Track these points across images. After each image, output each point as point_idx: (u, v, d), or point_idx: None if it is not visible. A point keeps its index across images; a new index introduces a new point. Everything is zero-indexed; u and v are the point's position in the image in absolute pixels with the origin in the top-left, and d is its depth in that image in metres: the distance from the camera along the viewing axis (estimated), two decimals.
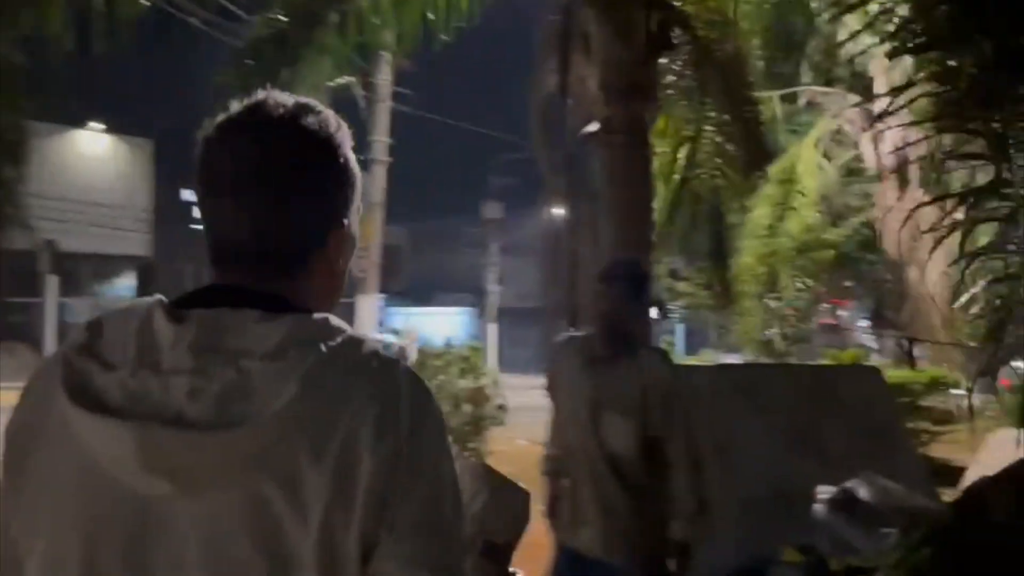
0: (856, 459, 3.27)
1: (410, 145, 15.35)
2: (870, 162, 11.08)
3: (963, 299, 3.36)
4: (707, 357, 13.18)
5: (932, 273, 8.28)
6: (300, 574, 0.73)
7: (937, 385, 8.15)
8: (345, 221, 0.92)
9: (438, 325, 34.93)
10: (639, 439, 2.55)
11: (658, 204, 6.86)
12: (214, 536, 0.74)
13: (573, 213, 6.77)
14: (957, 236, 3.22)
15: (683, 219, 7.93)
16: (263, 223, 0.86)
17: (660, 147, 6.83)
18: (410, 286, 34.04)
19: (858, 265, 13.35)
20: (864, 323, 16.43)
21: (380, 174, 12.30)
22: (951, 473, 5.92)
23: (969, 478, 4.40)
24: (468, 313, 29.32)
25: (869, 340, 15.02)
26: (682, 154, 6.98)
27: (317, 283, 0.90)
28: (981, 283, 3.33)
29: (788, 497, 3.13)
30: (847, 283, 14.19)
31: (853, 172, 12.09)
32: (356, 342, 0.82)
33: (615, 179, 5.58)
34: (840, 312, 16.13)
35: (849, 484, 2.97)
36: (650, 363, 2.68)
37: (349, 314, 15.42)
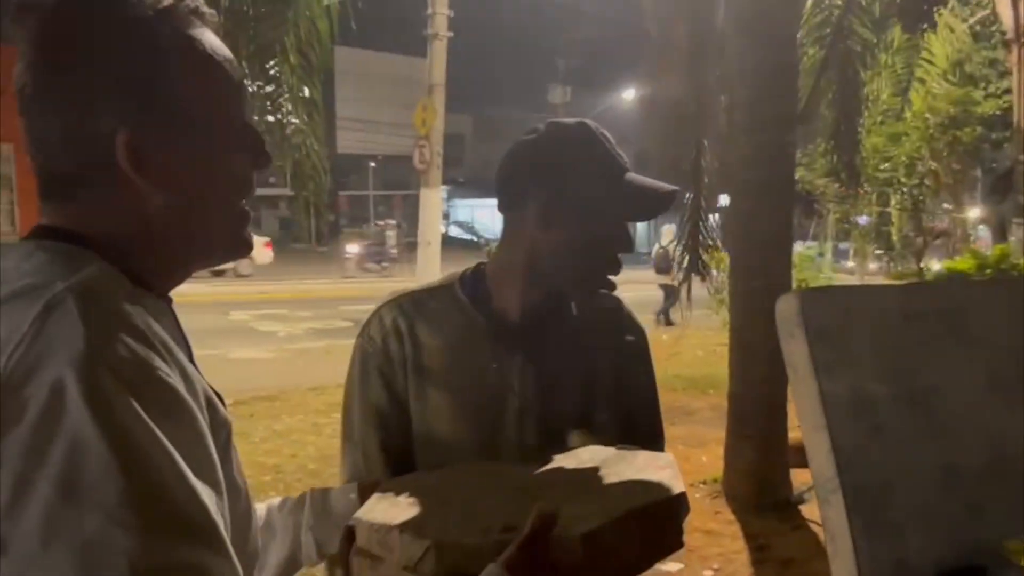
0: None
1: (473, 21, 14.11)
2: (1006, 23, 9.48)
3: None
4: (808, 251, 11.92)
5: None
6: None
7: None
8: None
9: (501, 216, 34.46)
10: None
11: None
12: None
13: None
14: None
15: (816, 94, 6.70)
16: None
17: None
18: (473, 177, 33.24)
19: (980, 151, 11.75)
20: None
21: (440, 51, 11.08)
22: None
23: None
24: None
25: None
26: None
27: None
28: None
29: (1012, 463, 2.26)
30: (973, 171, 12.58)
31: (979, 37, 10.44)
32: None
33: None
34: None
35: None
36: None
37: (413, 206, 14.61)
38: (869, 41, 6.61)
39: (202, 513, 0.65)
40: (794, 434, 4.83)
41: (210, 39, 0.82)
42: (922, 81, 8.73)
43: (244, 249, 0.86)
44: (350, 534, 0.97)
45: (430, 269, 10.21)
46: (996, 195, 13.86)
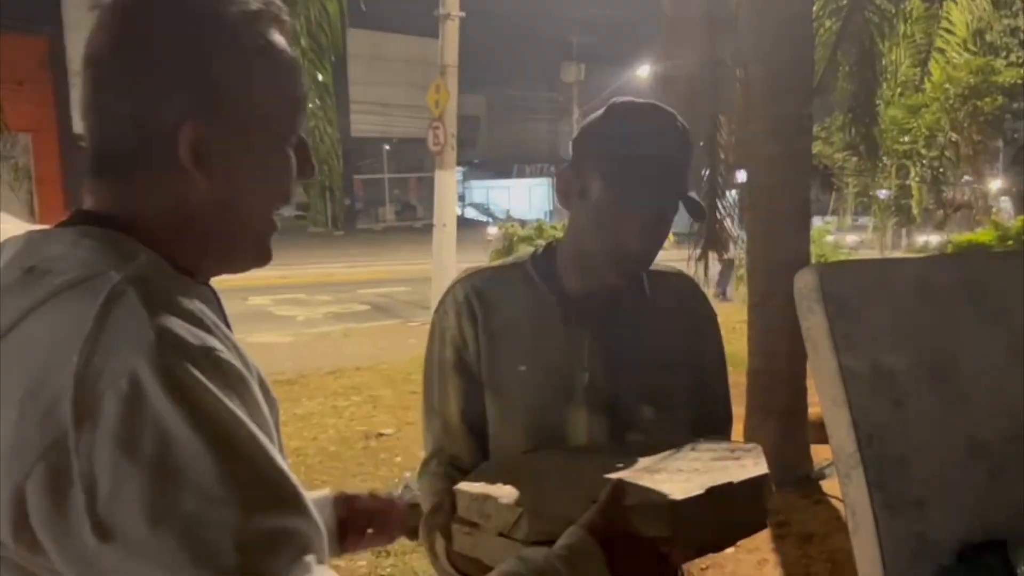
0: None
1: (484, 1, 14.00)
2: None
3: None
4: (827, 226, 11.79)
5: None
6: None
7: None
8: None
9: (518, 198, 34.50)
10: None
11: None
12: None
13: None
14: None
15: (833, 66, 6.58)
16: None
17: None
18: (488, 158, 33.14)
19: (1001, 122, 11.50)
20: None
21: (453, 31, 11.02)
22: None
23: None
24: (549, 184, 28.35)
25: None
26: None
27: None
28: None
29: None
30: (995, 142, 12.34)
31: (1000, 5, 10.21)
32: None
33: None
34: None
35: None
36: None
37: (429, 188, 14.62)
38: (887, 11, 6.50)
39: (286, 481, 0.68)
40: (814, 410, 4.81)
41: (287, 49, 0.82)
42: (941, 51, 8.57)
43: (264, 259, 0.87)
44: (451, 504, 1.05)
45: (446, 251, 10.21)
46: (1018, 165, 13.65)
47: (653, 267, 1.41)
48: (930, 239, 12.83)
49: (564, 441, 1.29)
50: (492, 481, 1.02)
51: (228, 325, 0.81)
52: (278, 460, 0.69)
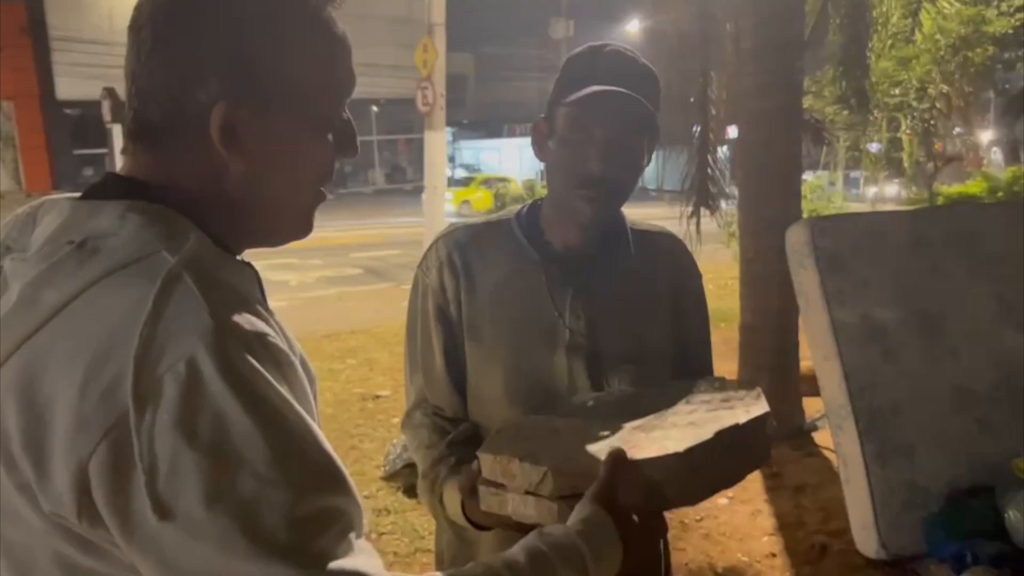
0: None
1: None
2: None
3: None
4: (818, 180, 11.74)
5: None
6: None
7: None
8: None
9: (508, 158, 34.26)
10: None
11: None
12: None
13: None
14: None
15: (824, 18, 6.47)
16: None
17: None
18: (477, 118, 32.84)
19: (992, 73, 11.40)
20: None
21: None
22: None
23: None
24: None
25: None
26: None
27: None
28: None
29: (1020, 384, 2.26)
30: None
31: None
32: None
33: None
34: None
35: None
36: None
37: (418, 150, 14.49)
38: None
39: (332, 463, 0.71)
40: (806, 363, 4.86)
41: (336, 27, 0.80)
42: (932, 1, 8.48)
43: (305, 231, 0.87)
44: (477, 467, 1.10)
45: (437, 214, 10.17)
46: (1009, 116, 13.59)
47: (640, 227, 1.43)
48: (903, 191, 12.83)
49: (544, 394, 1.30)
50: (510, 444, 1.08)
51: (266, 302, 0.82)
52: (324, 443, 0.71)
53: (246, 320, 0.70)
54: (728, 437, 1.05)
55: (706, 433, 1.04)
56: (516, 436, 1.11)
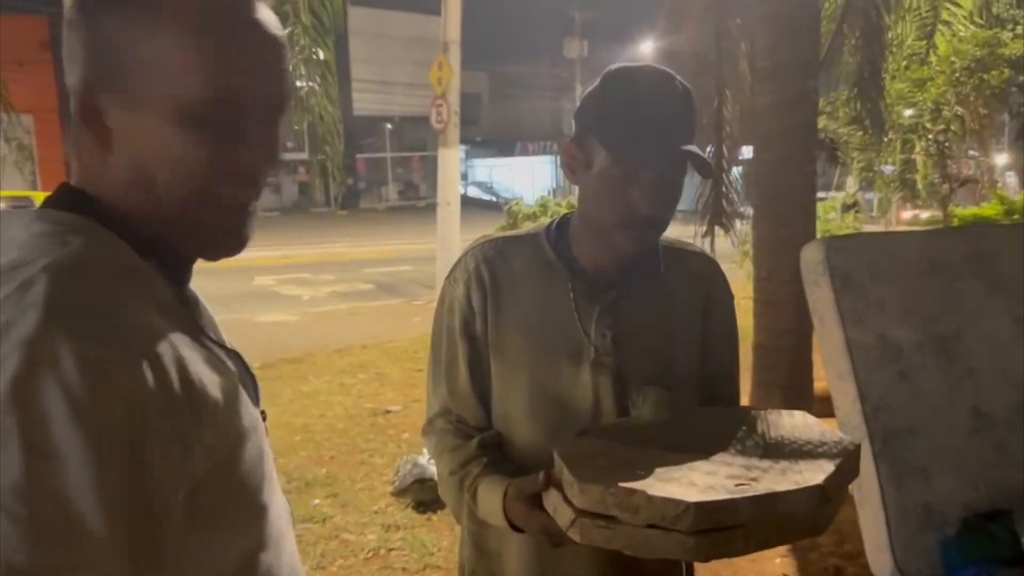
0: None
1: None
2: None
3: None
4: (832, 201, 11.72)
5: None
6: None
7: None
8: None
9: (520, 176, 34.34)
10: None
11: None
12: None
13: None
14: None
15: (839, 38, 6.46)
16: None
17: None
18: (490, 136, 32.96)
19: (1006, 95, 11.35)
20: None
21: (455, 7, 10.93)
22: None
23: None
24: (553, 162, 28.19)
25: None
26: None
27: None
28: None
29: None
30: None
31: None
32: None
33: None
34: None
35: None
36: None
37: (432, 168, 14.55)
38: None
39: (100, 517, 0.61)
40: (819, 384, 4.82)
41: (242, 20, 0.74)
42: (948, 24, 8.45)
43: (232, 247, 0.80)
44: (544, 481, 1.07)
45: (450, 230, 10.19)
46: (1023, 140, 13.54)
47: (673, 244, 1.40)
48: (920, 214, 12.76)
49: (567, 412, 1.29)
50: (607, 475, 0.99)
51: (190, 311, 0.79)
52: (110, 494, 0.62)
53: (81, 340, 0.62)
54: (760, 503, 0.94)
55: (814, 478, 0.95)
56: (608, 466, 1.02)
